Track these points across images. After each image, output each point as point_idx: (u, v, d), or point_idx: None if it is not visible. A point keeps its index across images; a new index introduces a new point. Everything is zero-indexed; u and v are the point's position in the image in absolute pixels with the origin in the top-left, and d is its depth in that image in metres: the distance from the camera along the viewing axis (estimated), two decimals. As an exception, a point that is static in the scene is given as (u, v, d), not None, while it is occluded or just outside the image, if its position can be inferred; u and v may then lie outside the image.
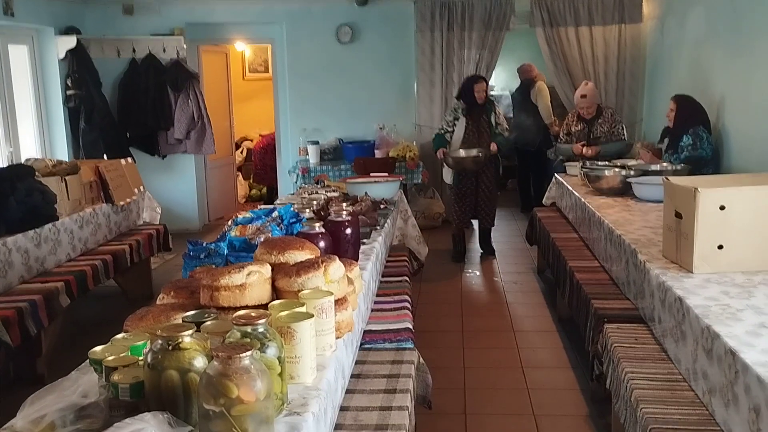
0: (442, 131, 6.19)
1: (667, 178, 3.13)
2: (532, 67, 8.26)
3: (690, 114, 5.24)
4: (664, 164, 5.09)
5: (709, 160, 5.09)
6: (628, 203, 4.48)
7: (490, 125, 6.09)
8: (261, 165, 9.40)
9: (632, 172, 4.84)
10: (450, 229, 6.66)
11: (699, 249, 2.78)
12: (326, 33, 7.85)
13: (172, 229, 6.29)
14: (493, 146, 6.01)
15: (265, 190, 9.70)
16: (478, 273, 6.06)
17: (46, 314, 3.92)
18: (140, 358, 1.58)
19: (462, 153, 6.04)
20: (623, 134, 6.26)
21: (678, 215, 2.90)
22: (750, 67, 4.95)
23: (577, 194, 4.97)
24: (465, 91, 6.14)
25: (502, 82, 10.38)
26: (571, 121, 6.30)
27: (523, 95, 8.28)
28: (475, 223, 6.67)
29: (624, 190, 4.71)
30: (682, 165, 4.88)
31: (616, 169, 5.01)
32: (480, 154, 5.93)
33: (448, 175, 6.36)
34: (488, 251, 6.61)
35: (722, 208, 2.74)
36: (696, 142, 5.07)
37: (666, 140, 5.50)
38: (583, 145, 6.01)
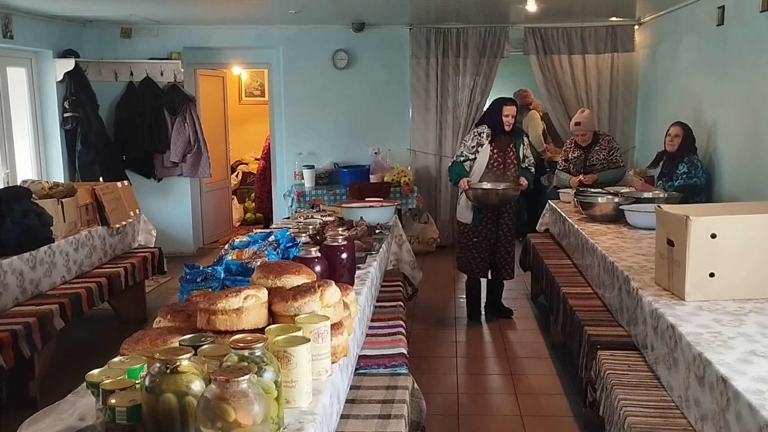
0: (462, 158, 5.24)
1: (659, 206, 3.16)
2: (528, 93, 8.27)
3: (692, 142, 5.34)
4: (657, 192, 5.14)
5: (702, 188, 5.15)
6: (621, 230, 4.51)
7: (518, 158, 5.22)
8: (260, 191, 9.15)
9: (625, 200, 4.89)
10: (445, 255, 6.39)
11: (691, 276, 2.81)
12: (322, 58, 7.94)
13: (167, 252, 6.29)
14: (523, 181, 5.16)
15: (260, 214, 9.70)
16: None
17: (40, 337, 3.92)
18: (137, 381, 1.59)
19: (486, 185, 5.14)
20: (621, 161, 6.06)
21: (670, 243, 2.93)
22: (740, 95, 5.03)
23: (570, 221, 5.00)
24: (492, 115, 5.23)
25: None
26: (568, 148, 6.15)
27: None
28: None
29: (617, 218, 4.74)
30: (674, 192, 4.94)
31: (609, 197, 5.05)
32: (508, 188, 5.10)
33: (465, 213, 5.33)
34: (504, 312, 5.63)
35: (713, 236, 2.77)
36: (691, 170, 5.15)
37: (660, 165, 5.55)
38: (580, 179, 5.78)
